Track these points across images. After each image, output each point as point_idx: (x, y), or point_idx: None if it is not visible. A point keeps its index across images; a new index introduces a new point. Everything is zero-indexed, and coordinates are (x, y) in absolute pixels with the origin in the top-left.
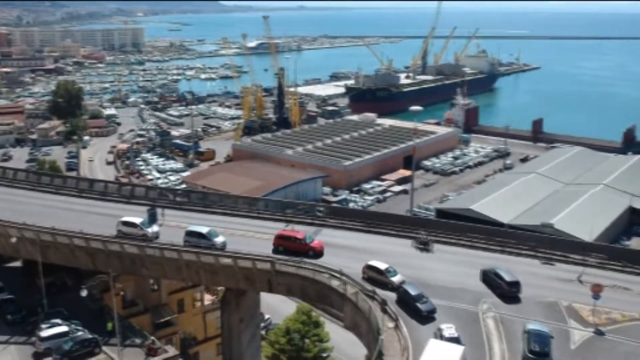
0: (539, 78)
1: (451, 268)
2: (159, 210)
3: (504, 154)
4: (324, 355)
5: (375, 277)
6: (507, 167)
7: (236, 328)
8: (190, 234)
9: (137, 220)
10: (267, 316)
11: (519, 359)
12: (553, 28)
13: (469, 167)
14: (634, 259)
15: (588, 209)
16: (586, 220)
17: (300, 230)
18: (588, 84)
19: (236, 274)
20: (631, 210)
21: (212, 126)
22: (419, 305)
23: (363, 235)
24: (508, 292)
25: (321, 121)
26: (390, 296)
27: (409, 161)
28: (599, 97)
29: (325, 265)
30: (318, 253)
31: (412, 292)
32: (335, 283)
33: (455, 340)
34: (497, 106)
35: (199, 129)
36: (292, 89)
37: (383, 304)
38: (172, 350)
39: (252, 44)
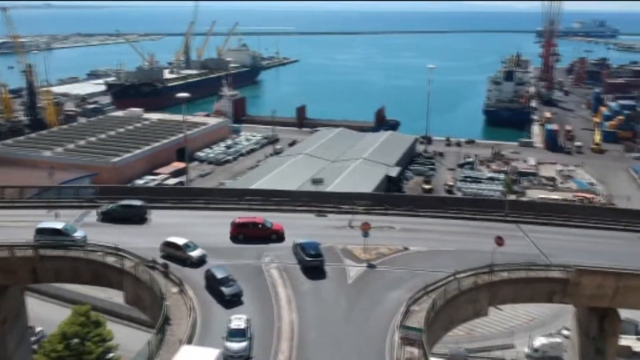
0: (298, 70)
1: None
2: None
3: (273, 140)
4: (109, 355)
5: (174, 253)
6: (277, 152)
7: None
8: (42, 231)
9: None
10: (38, 329)
11: (304, 301)
12: (311, 25)
13: (242, 154)
14: (393, 203)
15: (353, 179)
16: (352, 188)
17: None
18: (342, 74)
19: None
20: (388, 179)
21: None
22: (223, 288)
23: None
24: (308, 262)
25: (82, 120)
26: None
27: (181, 153)
28: (352, 85)
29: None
30: (280, 236)
31: (218, 275)
32: (111, 260)
33: (240, 332)
34: (262, 97)
35: None
36: (45, 89)
37: (165, 267)
38: None
39: None
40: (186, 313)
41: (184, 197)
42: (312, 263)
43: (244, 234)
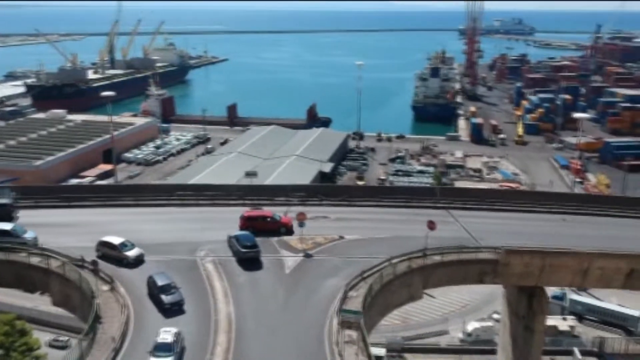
0: (228, 69)
1: (164, 226)
2: None
3: (205, 139)
4: None
5: (109, 253)
6: (209, 151)
7: None
8: None
9: None
10: None
11: (241, 293)
12: (240, 24)
13: (172, 154)
14: (327, 193)
15: (287, 176)
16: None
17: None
18: (272, 72)
19: None
20: (321, 175)
21: None
22: (163, 296)
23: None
24: (244, 254)
25: (0, 123)
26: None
27: (109, 155)
28: (283, 83)
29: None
30: (289, 229)
31: (159, 282)
32: (35, 260)
33: (166, 346)
34: (192, 96)
35: None
36: None
37: (94, 265)
38: None
39: None
40: (119, 311)
41: (113, 194)
42: (248, 254)
43: (253, 227)
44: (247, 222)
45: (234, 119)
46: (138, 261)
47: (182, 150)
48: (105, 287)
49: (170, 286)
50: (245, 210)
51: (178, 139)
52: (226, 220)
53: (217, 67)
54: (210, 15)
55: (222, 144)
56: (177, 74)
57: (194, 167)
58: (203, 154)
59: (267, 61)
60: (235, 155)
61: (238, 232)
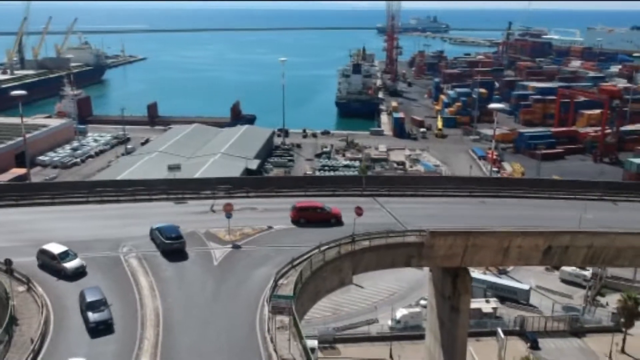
0: (147, 68)
1: (82, 224)
2: None
3: (124, 140)
4: None
5: (48, 263)
6: (129, 152)
7: None
8: None
9: None
10: None
11: (168, 286)
12: (159, 22)
13: (91, 156)
14: (254, 185)
15: (213, 173)
16: None
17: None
18: (194, 71)
19: None
20: (247, 171)
21: None
22: (89, 314)
23: None
24: (169, 245)
25: None
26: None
27: (21, 158)
28: (205, 81)
29: None
30: (339, 220)
31: (88, 297)
32: None
33: None
34: (110, 96)
35: None
36: None
37: (8, 264)
38: None
39: None
40: (37, 311)
41: (26, 192)
42: (173, 246)
43: (305, 218)
44: (299, 213)
45: (154, 119)
46: (77, 274)
47: (101, 152)
48: (22, 288)
49: (101, 302)
50: (297, 201)
51: (96, 140)
52: (149, 216)
53: (136, 66)
54: (130, 14)
55: (143, 143)
56: (93, 74)
57: (114, 167)
58: (123, 155)
59: (189, 59)
60: (157, 154)
61: (161, 224)
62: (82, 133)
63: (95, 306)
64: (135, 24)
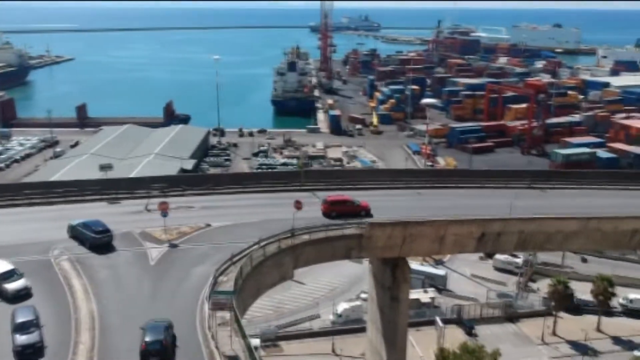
0: (75, 69)
1: (8, 227)
2: None
3: (53, 143)
4: None
5: None
6: (58, 155)
7: None
8: None
9: None
10: None
11: (103, 288)
12: (86, 22)
13: (16, 161)
14: (190, 183)
15: (147, 174)
16: None
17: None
18: (124, 71)
19: None
20: (183, 172)
21: None
22: (17, 335)
23: None
24: (99, 240)
25: None
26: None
27: None
28: (137, 81)
29: None
30: (368, 212)
31: (18, 318)
32: None
33: None
34: (35, 98)
35: None
36: None
37: None
38: None
39: None
40: None
41: None
42: (102, 240)
43: (336, 211)
44: (331, 207)
45: (84, 120)
46: (20, 296)
47: (28, 156)
48: None
49: (32, 323)
50: (327, 195)
51: (22, 144)
52: (82, 217)
53: (63, 66)
54: (52, 13)
55: (73, 146)
56: (16, 75)
57: (42, 171)
58: (52, 158)
59: (119, 59)
60: (87, 156)
61: (81, 220)
62: (6, 137)
63: (24, 327)
64: (63, 23)
